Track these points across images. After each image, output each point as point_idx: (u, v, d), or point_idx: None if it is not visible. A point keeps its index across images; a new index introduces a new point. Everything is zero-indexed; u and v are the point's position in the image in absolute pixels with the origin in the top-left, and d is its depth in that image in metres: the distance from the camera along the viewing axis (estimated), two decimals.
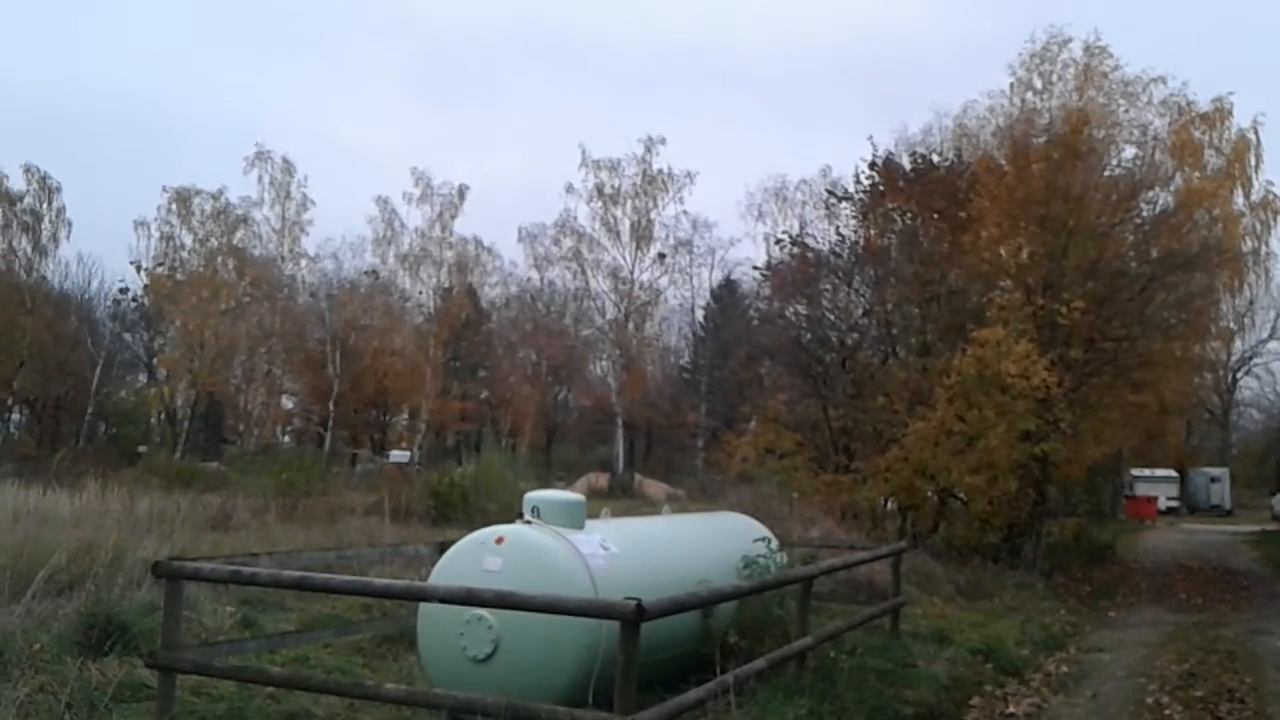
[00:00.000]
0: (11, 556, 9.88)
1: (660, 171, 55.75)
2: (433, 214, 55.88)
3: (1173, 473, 52.53)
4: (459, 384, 59.69)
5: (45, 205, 55.11)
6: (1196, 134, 25.60)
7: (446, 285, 57.55)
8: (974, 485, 18.80)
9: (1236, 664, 12.24)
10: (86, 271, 57.96)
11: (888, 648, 10.81)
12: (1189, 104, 25.46)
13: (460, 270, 58.03)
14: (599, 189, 55.89)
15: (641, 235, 56.39)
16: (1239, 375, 60.96)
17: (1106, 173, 22.88)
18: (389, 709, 7.34)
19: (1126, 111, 23.68)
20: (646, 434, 63.21)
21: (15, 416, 57.44)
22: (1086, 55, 23.60)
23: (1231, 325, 34.47)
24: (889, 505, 21.36)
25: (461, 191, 55.87)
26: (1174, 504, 53.24)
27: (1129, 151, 23.81)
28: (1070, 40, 23.72)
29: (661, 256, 57.31)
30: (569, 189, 56.10)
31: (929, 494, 20.05)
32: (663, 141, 55.55)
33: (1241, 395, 64.41)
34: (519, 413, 57.78)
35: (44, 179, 54.63)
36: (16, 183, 54.14)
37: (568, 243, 57.00)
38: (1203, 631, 15.12)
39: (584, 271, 57.51)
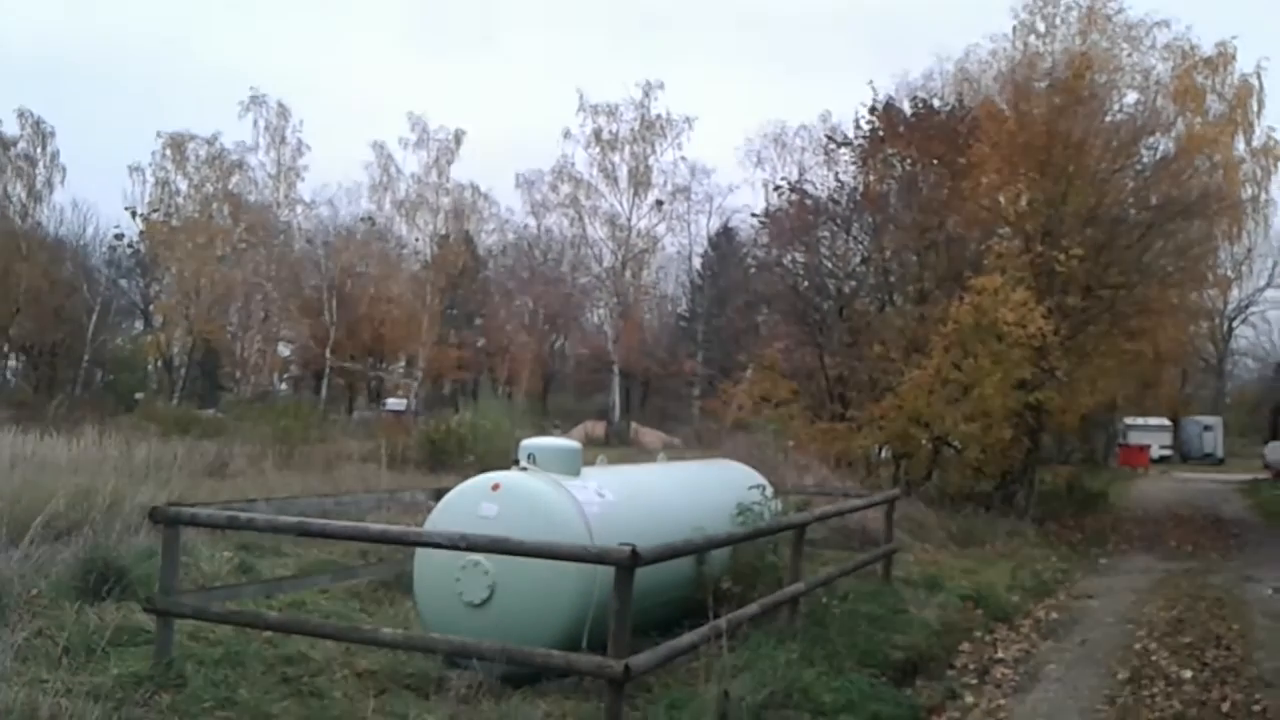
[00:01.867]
0: (9, 502, 9.93)
1: (659, 117, 55.28)
2: (429, 160, 55.55)
3: (1166, 421, 52.66)
4: (455, 332, 59.71)
5: (39, 150, 54.83)
6: (1199, 79, 25.30)
7: (443, 232, 57.32)
8: (968, 433, 18.88)
9: (1224, 611, 12.37)
10: (81, 217, 57.76)
11: (879, 593, 10.90)
12: (1192, 48, 25.15)
13: (457, 217, 57.78)
14: (597, 134, 55.45)
15: (639, 181, 56.05)
16: (1235, 324, 61.06)
17: (1108, 118, 22.69)
18: (385, 653, 7.40)
19: (1129, 56, 23.44)
20: (643, 382, 63.28)
21: (12, 363, 57.49)
22: None
23: (1229, 273, 34.34)
24: (883, 453, 21.45)
25: (458, 137, 55.49)
26: (1167, 452, 53.49)
27: (1131, 97, 23.60)
28: None
29: (659, 203, 57.04)
30: (566, 134, 55.66)
31: (923, 442, 20.13)
32: (661, 86, 55.02)
33: (1237, 344, 64.57)
34: (516, 361, 57.83)
35: (38, 124, 54.30)
36: (10, 127, 53.88)
37: (565, 189, 56.67)
38: (1192, 579, 15.26)
39: (581, 218, 57.24)
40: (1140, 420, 47.88)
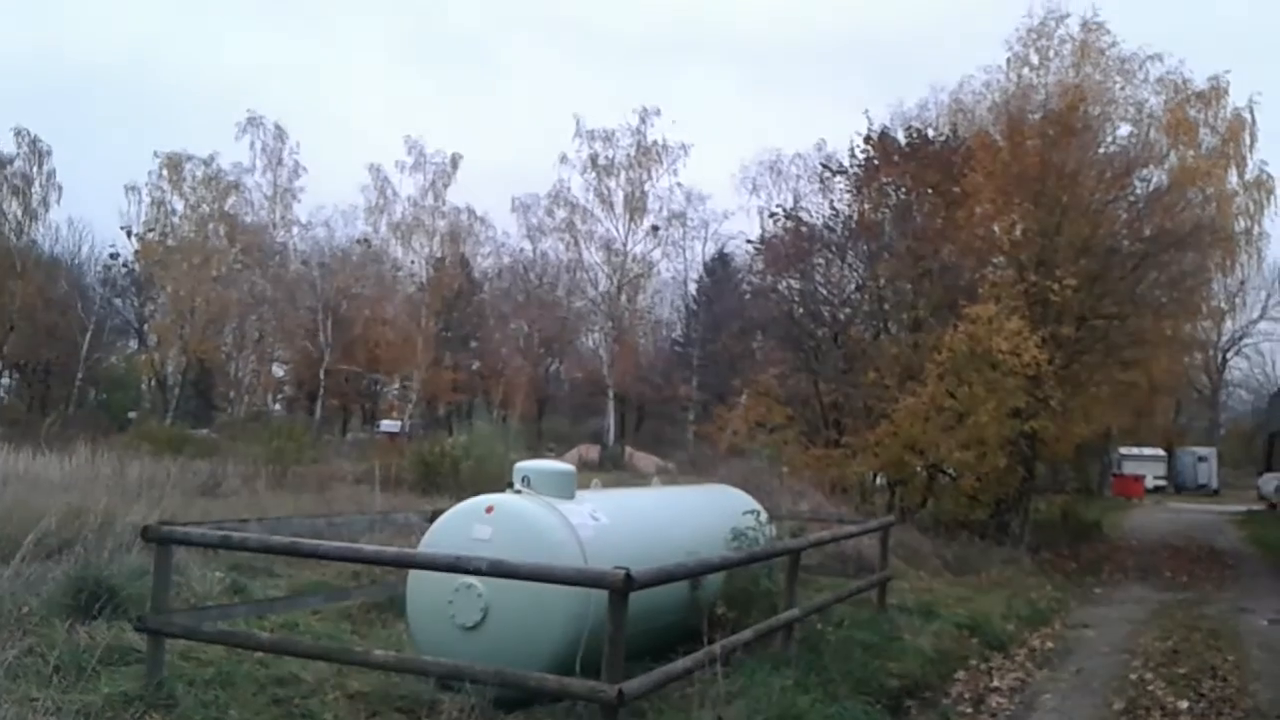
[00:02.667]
0: (1, 520, 9.88)
1: (655, 143, 55.61)
2: (425, 183, 55.71)
3: (1160, 451, 52.76)
4: (450, 354, 59.67)
5: (36, 169, 54.81)
6: (1192, 112, 25.45)
7: (439, 255, 57.40)
8: (963, 461, 18.89)
9: (1220, 641, 12.34)
10: (77, 236, 57.80)
11: (874, 620, 10.87)
12: (1185, 82, 25.31)
13: (453, 240, 57.86)
14: (593, 160, 55.72)
15: (635, 207, 56.26)
16: (1229, 355, 61.27)
17: (1101, 150, 22.83)
18: (377, 675, 7.36)
19: (1122, 89, 23.58)
20: (638, 407, 63.27)
21: (5, 381, 57.32)
22: (1084, 31, 23.44)
23: (1222, 305, 34.42)
24: (878, 480, 21.43)
25: (455, 160, 55.67)
26: (1161, 483, 53.52)
27: (1124, 129, 23.75)
28: (1068, 16, 23.56)
29: (655, 229, 57.20)
30: (563, 159, 55.93)
31: (918, 469, 20.14)
32: (657, 113, 55.42)
33: (1231, 375, 64.75)
34: (510, 384, 57.74)
35: (34, 142, 54.32)
36: (7, 146, 53.88)
37: (561, 214, 56.90)
38: (1187, 609, 15.24)
39: (577, 243, 57.43)
40: (1135, 450, 48.00)
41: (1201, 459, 57.10)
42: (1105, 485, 44.33)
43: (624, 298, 58.40)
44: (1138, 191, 23.17)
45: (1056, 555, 20.74)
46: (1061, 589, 16.94)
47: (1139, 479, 48.61)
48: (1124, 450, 47.11)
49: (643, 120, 55.20)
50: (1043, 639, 12.48)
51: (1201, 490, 54.93)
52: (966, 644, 11.25)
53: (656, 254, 58.65)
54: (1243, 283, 35.36)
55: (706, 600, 8.67)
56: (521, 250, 61.09)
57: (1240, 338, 60.19)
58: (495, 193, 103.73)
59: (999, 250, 22.06)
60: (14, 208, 54.68)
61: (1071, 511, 26.31)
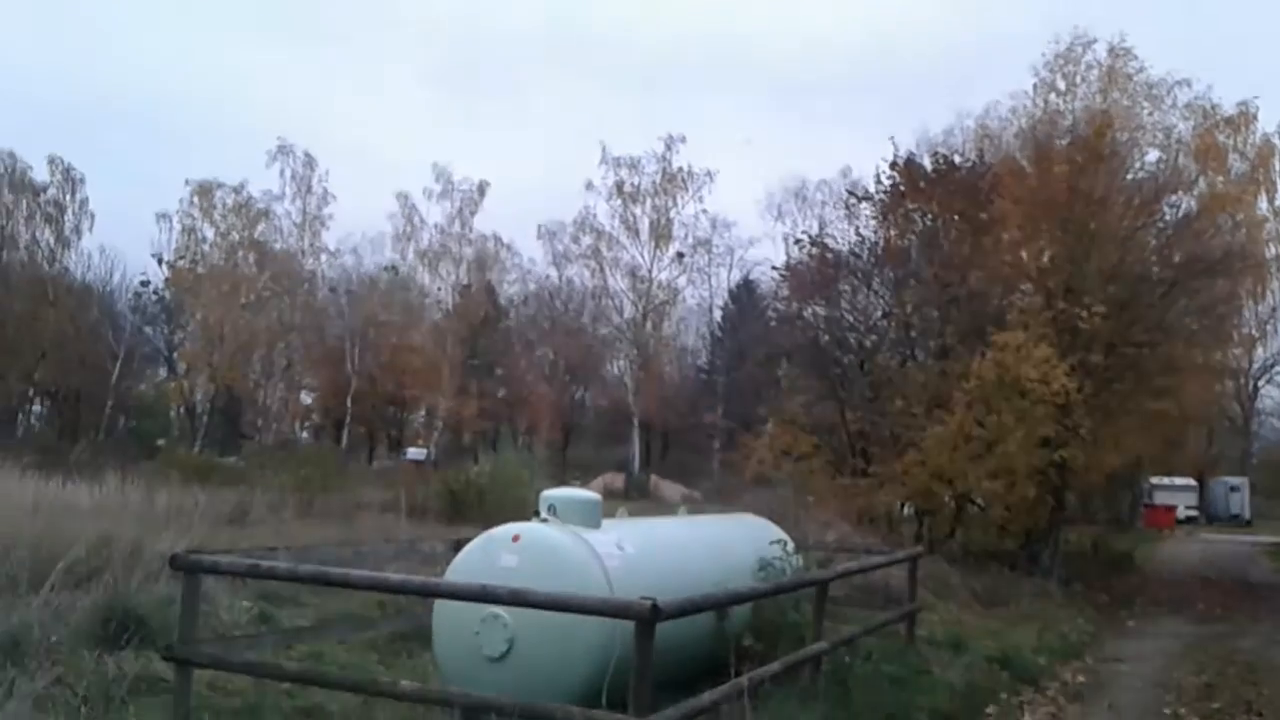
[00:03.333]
0: (31, 548, 9.92)
1: (680, 170, 55.78)
2: (453, 210, 56.14)
3: (1192, 481, 52.09)
4: (476, 382, 59.81)
5: (69, 197, 55.59)
6: (1220, 138, 25.43)
7: (465, 282, 57.70)
8: (992, 491, 18.71)
9: (1255, 676, 12.14)
10: (108, 263, 58.44)
11: (903, 653, 10.75)
12: (1213, 108, 25.31)
13: (479, 267, 58.17)
14: (619, 187, 55.92)
15: (660, 234, 56.39)
16: (1260, 383, 60.37)
17: (1129, 176, 22.71)
18: (403, 706, 7.33)
19: (1150, 114, 23.55)
20: (663, 435, 63.14)
21: (36, 408, 57.88)
22: (1111, 57, 23.47)
23: (1253, 332, 34.22)
24: (906, 510, 21.27)
25: (482, 188, 56.08)
26: (1193, 513, 52.78)
27: (1152, 155, 23.67)
28: (1095, 41, 23.61)
29: (680, 255, 57.30)
30: (589, 186, 56.17)
31: (946, 499, 19.97)
32: (683, 140, 55.56)
33: (1263, 404, 63.79)
34: (536, 411, 57.82)
35: (68, 170, 55.10)
36: (40, 174, 54.67)
37: (587, 240, 57.09)
38: (1221, 643, 15.00)
39: (602, 270, 57.57)
40: (1166, 480, 47.41)
41: (1234, 489, 56.32)
42: (1136, 516, 43.79)
43: (649, 325, 58.44)
44: (1167, 218, 23.03)
45: (1088, 587, 20.47)
46: (1093, 622, 16.72)
47: (1170, 509, 47.98)
48: (1155, 480, 46.54)
49: (668, 147, 55.47)
50: (1074, 673, 12.30)
51: (1234, 521, 54.13)
52: (997, 678, 11.10)
53: (682, 281, 58.78)
54: (1274, 309, 35.07)
55: (733, 631, 8.60)
56: (547, 277, 61.41)
57: (1272, 365, 59.23)
58: (521, 220, 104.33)
59: (1027, 277, 21.94)
60: (47, 235, 55.48)
61: (1102, 542, 26.01)
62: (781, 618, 9.10)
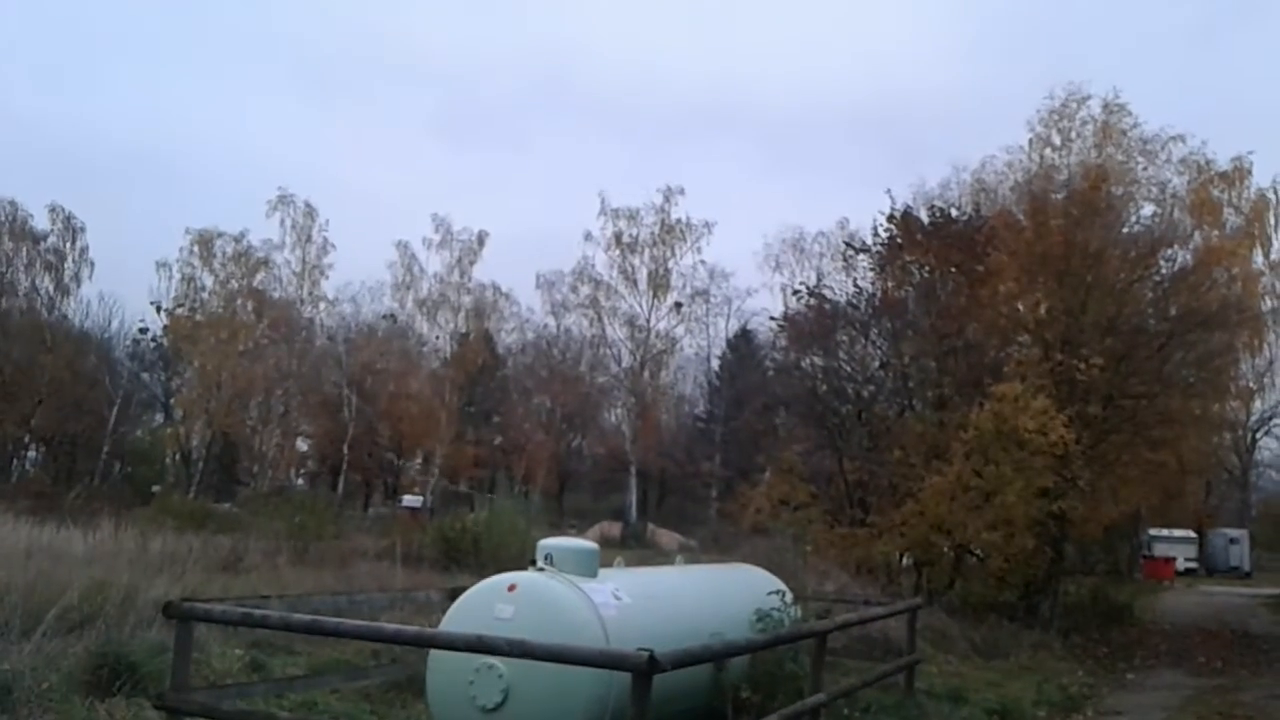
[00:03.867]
0: (23, 594, 9.87)
1: (679, 221, 56.15)
2: (452, 259, 56.37)
3: (1191, 533, 51.91)
4: (473, 429, 59.74)
5: (69, 245, 55.85)
6: (1215, 193, 25.66)
7: (464, 331, 57.82)
8: (990, 542, 18.62)
9: None
10: (107, 311, 58.59)
11: (902, 706, 10.65)
12: (1208, 163, 25.54)
13: (477, 316, 58.32)
14: (617, 237, 56.25)
15: (659, 284, 56.62)
16: (1258, 435, 60.35)
17: (1125, 230, 22.90)
18: None
19: (1145, 169, 23.79)
20: (660, 483, 63.00)
21: (31, 453, 57.68)
22: (1105, 113, 23.73)
23: (1251, 385, 34.23)
24: (904, 560, 21.16)
25: (481, 238, 56.35)
26: (1192, 565, 52.53)
27: (1148, 209, 23.88)
28: (1089, 98, 23.87)
29: (678, 305, 57.50)
30: (587, 237, 56.51)
31: (945, 550, 19.86)
32: (681, 192, 55.97)
33: (1261, 456, 63.74)
34: (532, 459, 57.71)
35: (69, 219, 55.39)
36: (41, 222, 54.93)
37: (585, 290, 57.34)
38: (1222, 695, 14.86)
39: (600, 319, 57.77)
40: (1165, 532, 47.29)
41: (1233, 541, 56.11)
42: (1135, 567, 43.57)
43: (647, 374, 58.52)
44: (1163, 271, 23.18)
45: (1087, 639, 20.33)
46: (1093, 674, 16.59)
47: (1169, 561, 47.75)
48: (1154, 532, 46.41)
49: (667, 199, 55.86)
50: None
51: (1233, 573, 53.86)
52: None
53: (680, 330, 58.93)
54: (1271, 362, 35.17)
55: (731, 683, 8.54)
56: (545, 326, 61.61)
57: (1270, 418, 59.21)
58: (520, 269, 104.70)
59: (1024, 329, 22.03)
60: (46, 283, 55.68)
61: (1102, 594, 25.84)
62: (780, 669, 9.03)
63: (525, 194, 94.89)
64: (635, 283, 56.68)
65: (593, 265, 56.73)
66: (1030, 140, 24.61)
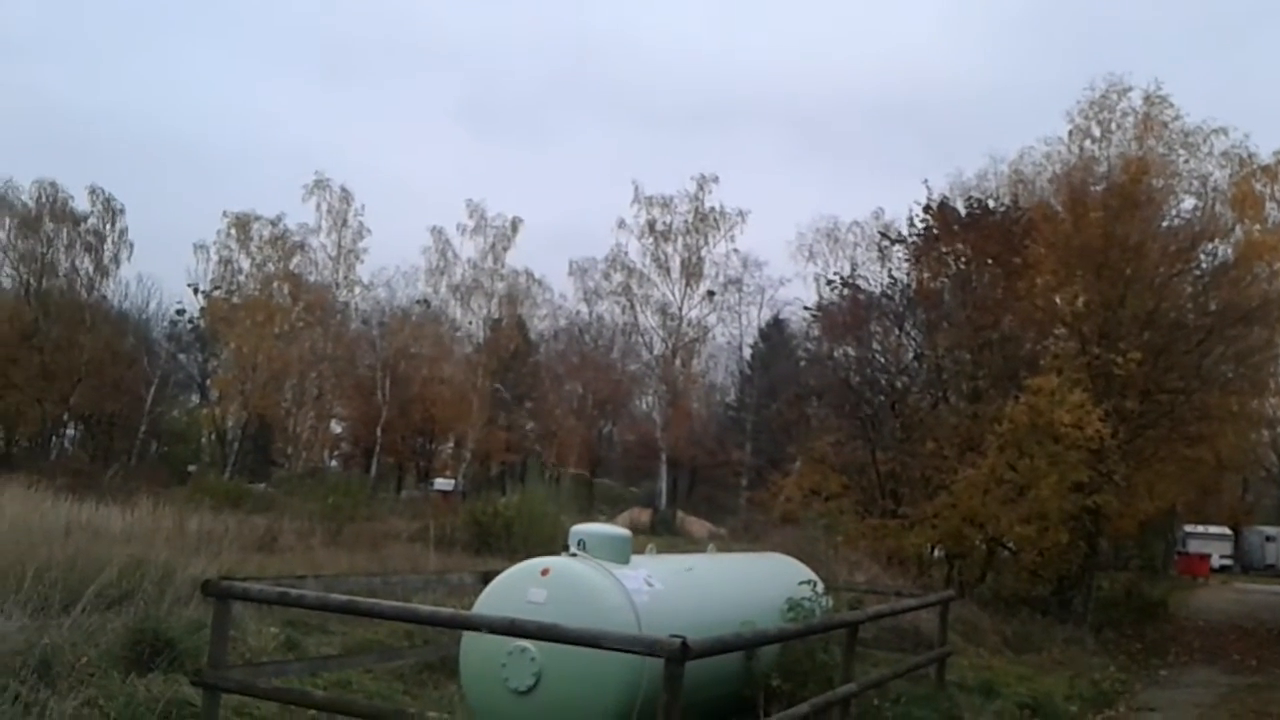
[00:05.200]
0: (63, 570, 9.98)
1: (712, 209, 55.98)
2: (485, 245, 56.57)
3: (1227, 530, 51.36)
4: (505, 414, 59.97)
5: (108, 226, 56.39)
6: (1258, 186, 25.24)
7: (496, 316, 58.02)
8: (1024, 535, 18.52)
9: None
10: (146, 292, 59.31)
11: (933, 698, 10.61)
12: (1250, 156, 25.12)
13: (510, 302, 58.51)
14: (650, 225, 56.17)
15: (691, 272, 56.53)
16: None
17: (1165, 223, 22.60)
18: None
19: (1186, 162, 23.37)
20: (690, 471, 63.00)
21: (70, 431, 58.48)
22: (1146, 104, 23.29)
23: None
24: (936, 552, 21.07)
25: (514, 224, 56.51)
26: (1227, 562, 52.01)
27: (1188, 202, 23.50)
28: (1130, 89, 23.43)
29: (711, 294, 57.34)
30: (621, 224, 56.47)
31: (977, 542, 19.78)
32: (715, 180, 55.80)
33: None
34: (563, 445, 57.88)
35: (108, 201, 55.93)
36: (81, 204, 55.51)
37: (618, 277, 57.35)
38: (1257, 694, 14.72)
39: (633, 306, 57.78)
40: (1200, 528, 46.77)
41: (1269, 539, 55.49)
42: (1169, 564, 43.16)
43: (679, 361, 58.47)
44: (1203, 265, 22.90)
45: (1120, 634, 20.20)
46: (1125, 670, 16.47)
47: (1204, 558, 47.28)
48: (1189, 528, 45.92)
49: (700, 187, 55.70)
50: None
51: (1269, 570, 53.28)
52: None
53: (712, 319, 58.81)
54: None
55: (761, 671, 8.54)
56: (578, 313, 61.66)
57: None
58: (553, 255, 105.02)
59: (1061, 322, 21.82)
60: (86, 264, 56.27)
61: (1136, 590, 25.64)
62: (810, 659, 9.02)
63: (558, 181, 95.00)
64: (668, 270, 56.65)
65: (626, 253, 56.80)
66: (1069, 131, 24.23)
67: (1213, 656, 19.50)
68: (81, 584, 9.32)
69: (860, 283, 25.43)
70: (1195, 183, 23.50)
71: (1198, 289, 22.70)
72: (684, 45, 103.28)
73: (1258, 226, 25.05)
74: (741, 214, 55.91)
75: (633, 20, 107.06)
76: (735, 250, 56.74)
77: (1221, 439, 22.88)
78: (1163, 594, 27.64)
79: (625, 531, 8.92)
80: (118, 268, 57.12)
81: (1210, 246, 23.34)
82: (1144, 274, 21.27)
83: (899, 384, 23.72)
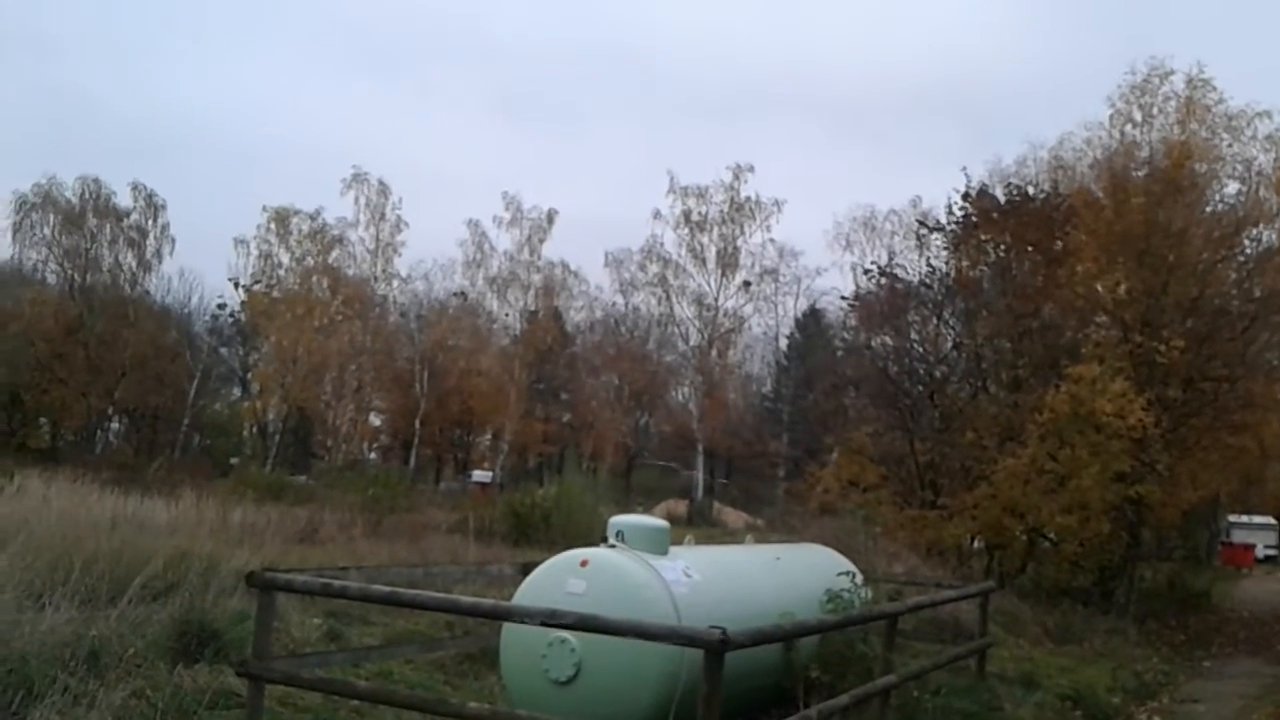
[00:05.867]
0: (109, 562, 10.15)
1: (748, 199, 55.74)
2: (521, 238, 56.74)
3: (1272, 520, 50.59)
4: (542, 406, 60.18)
5: (151, 222, 56.97)
6: None
7: (533, 308, 58.21)
8: (1065, 526, 18.35)
9: None
10: (187, 287, 59.90)
11: (973, 689, 10.56)
12: None
13: (547, 293, 58.66)
14: (686, 215, 56.04)
15: (727, 262, 56.36)
16: None
17: (1208, 208, 22.28)
18: None
19: (1230, 146, 22.93)
20: (727, 462, 62.92)
21: (115, 425, 59.29)
22: (1189, 88, 22.87)
23: None
24: (975, 543, 20.92)
25: (550, 216, 56.61)
26: (1272, 552, 51.21)
27: (1232, 187, 23.09)
28: (1172, 73, 23.01)
29: (747, 284, 57.19)
30: (656, 215, 56.37)
31: (1018, 533, 19.60)
32: (751, 169, 55.56)
33: None
34: (600, 436, 57.99)
35: (150, 196, 56.50)
36: (124, 199, 56.15)
37: (653, 268, 57.27)
38: None
39: (669, 297, 57.68)
40: (1244, 518, 46.12)
41: None
42: (1213, 554, 42.60)
43: (715, 352, 58.34)
44: (1247, 251, 22.54)
45: (1163, 626, 19.98)
46: (1169, 661, 16.31)
47: (1249, 548, 46.61)
48: (1233, 518, 45.30)
49: (736, 177, 55.49)
50: (1150, 713, 12.01)
51: None
52: (1070, 717, 10.88)
53: (748, 309, 58.61)
54: None
55: (801, 663, 8.53)
56: (614, 304, 61.70)
57: None
58: (589, 247, 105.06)
59: (1102, 309, 21.57)
60: (129, 259, 56.90)
61: (1179, 581, 25.34)
62: (850, 650, 8.99)
63: (593, 173, 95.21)
64: (704, 261, 56.51)
65: (661, 244, 56.69)
66: (1110, 116, 23.83)
67: (1257, 648, 19.26)
68: (128, 576, 9.47)
69: (898, 271, 25.27)
70: (1239, 167, 23.10)
71: (1242, 275, 22.36)
72: (719, 32, 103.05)
73: None
74: (777, 203, 55.73)
75: (667, 8, 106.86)
76: (771, 240, 56.60)
77: (1266, 427, 22.53)
78: (1206, 584, 27.27)
79: (664, 523, 8.94)
80: (160, 263, 57.77)
81: (1254, 232, 22.97)
82: (1187, 260, 20.97)
83: (938, 373, 23.56)
